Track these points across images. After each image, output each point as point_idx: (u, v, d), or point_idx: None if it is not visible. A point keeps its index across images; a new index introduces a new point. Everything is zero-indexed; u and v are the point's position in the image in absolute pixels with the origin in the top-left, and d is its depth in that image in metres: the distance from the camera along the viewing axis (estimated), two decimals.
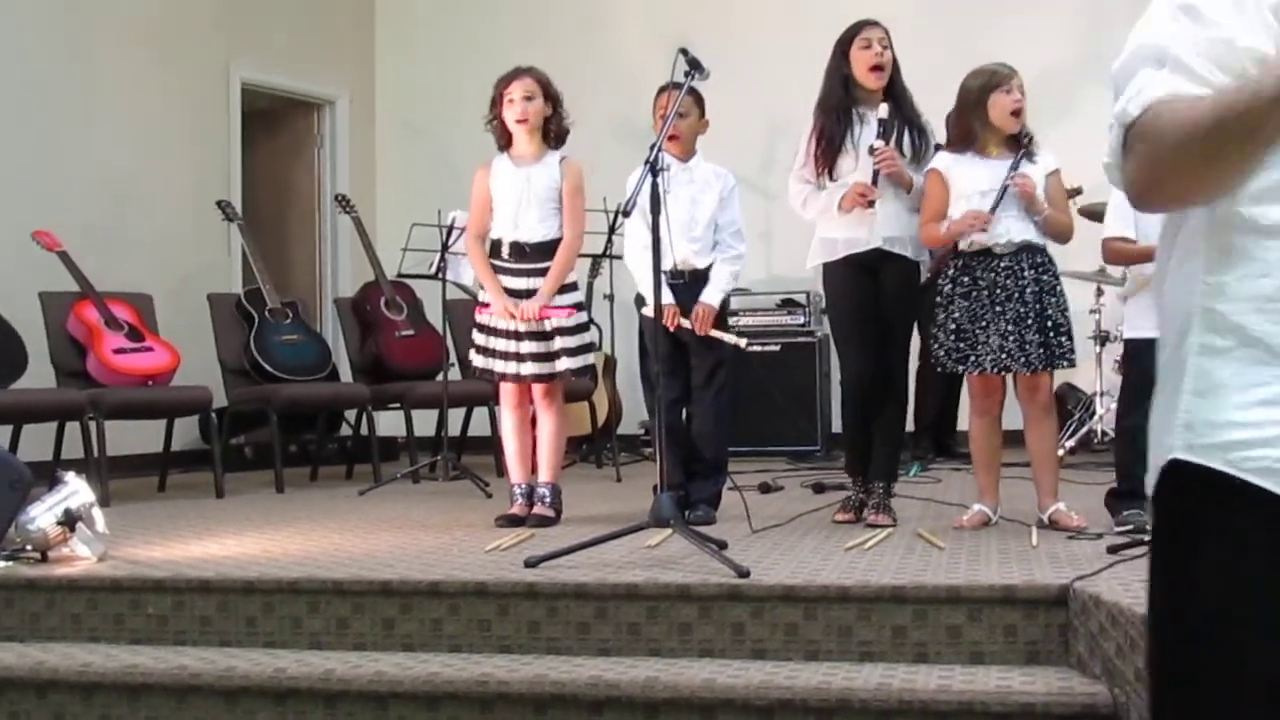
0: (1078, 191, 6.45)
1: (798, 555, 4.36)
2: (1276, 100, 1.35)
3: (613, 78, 8.83)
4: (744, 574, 3.89)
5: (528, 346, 5.21)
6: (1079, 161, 6.55)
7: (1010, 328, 4.81)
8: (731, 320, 5.80)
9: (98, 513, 4.56)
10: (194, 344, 7.19)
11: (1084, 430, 7.50)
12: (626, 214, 4.69)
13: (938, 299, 5.00)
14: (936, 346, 4.98)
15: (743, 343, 5.34)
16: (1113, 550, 4.14)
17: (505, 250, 5.25)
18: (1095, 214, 6.48)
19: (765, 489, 6.41)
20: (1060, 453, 7.09)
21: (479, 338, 5.31)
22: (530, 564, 4.12)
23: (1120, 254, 4.89)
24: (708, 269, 5.33)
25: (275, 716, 3.73)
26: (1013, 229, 4.82)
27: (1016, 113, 4.86)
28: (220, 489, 6.68)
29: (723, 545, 4.28)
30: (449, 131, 8.99)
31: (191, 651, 3.98)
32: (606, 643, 3.84)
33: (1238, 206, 1.52)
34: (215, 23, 8.48)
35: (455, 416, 7.53)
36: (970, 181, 4.89)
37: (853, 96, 5.11)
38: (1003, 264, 4.85)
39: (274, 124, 9.20)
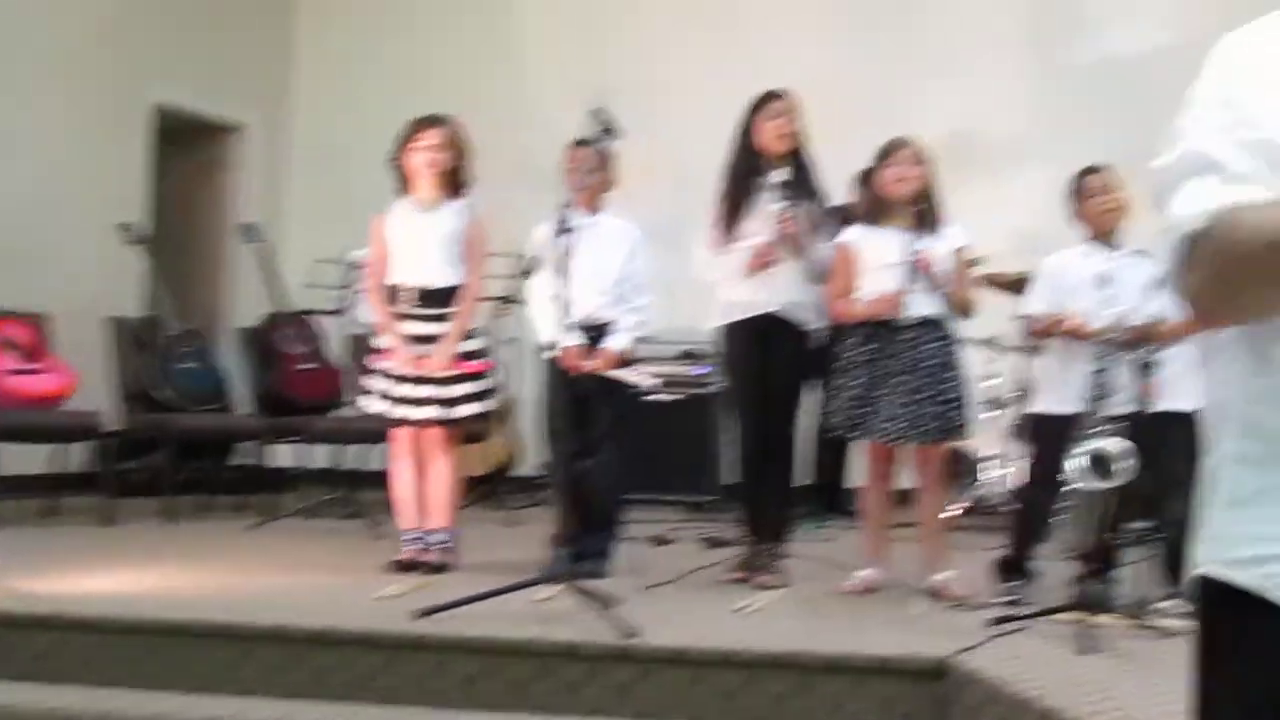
0: (977, 262, 6.57)
1: (688, 615, 4.42)
2: None
3: (526, 119, 8.87)
4: (632, 634, 3.94)
5: (426, 391, 5.24)
6: (981, 230, 6.78)
7: (907, 399, 4.90)
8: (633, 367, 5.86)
9: None
10: (92, 367, 7.11)
11: (977, 494, 7.61)
12: (528, 274, 4.75)
13: (836, 365, 5.10)
14: (832, 413, 5.07)
15: (655, 382, 5.39)
16: (992, 622, 4.25)
17: (408, 296, 5.29)
18: (997, 282, 6.64)
19: (659, 542, 6.45)
20: (951, 514, 7.25)
21: (377, 384, 5.33)
22: (422, 614, 4.14)
23: (1043, 332, 5.01)
24: (612, 321, 5.39)
25: None
26: (918, 302, 4.93)
27: (900, 182, 4.98)
28: (109, 516, 6.60)
29: (614, 602, 4.30)
30: (362, 162, 8.91)
31: (71, 691, 3.92)
32: (493, 699, 3.87)
33: None
34: (129, 43, 8.38)
35: (353, 452, 7.50)
36: (877, 254, 5.01)
37: (756, 164, 5.24)
38: (904, 336, 4.95)
39: (185, 146, 9.07)
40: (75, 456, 7.35)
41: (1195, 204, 1.45)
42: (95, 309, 7.51)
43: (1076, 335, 4.77)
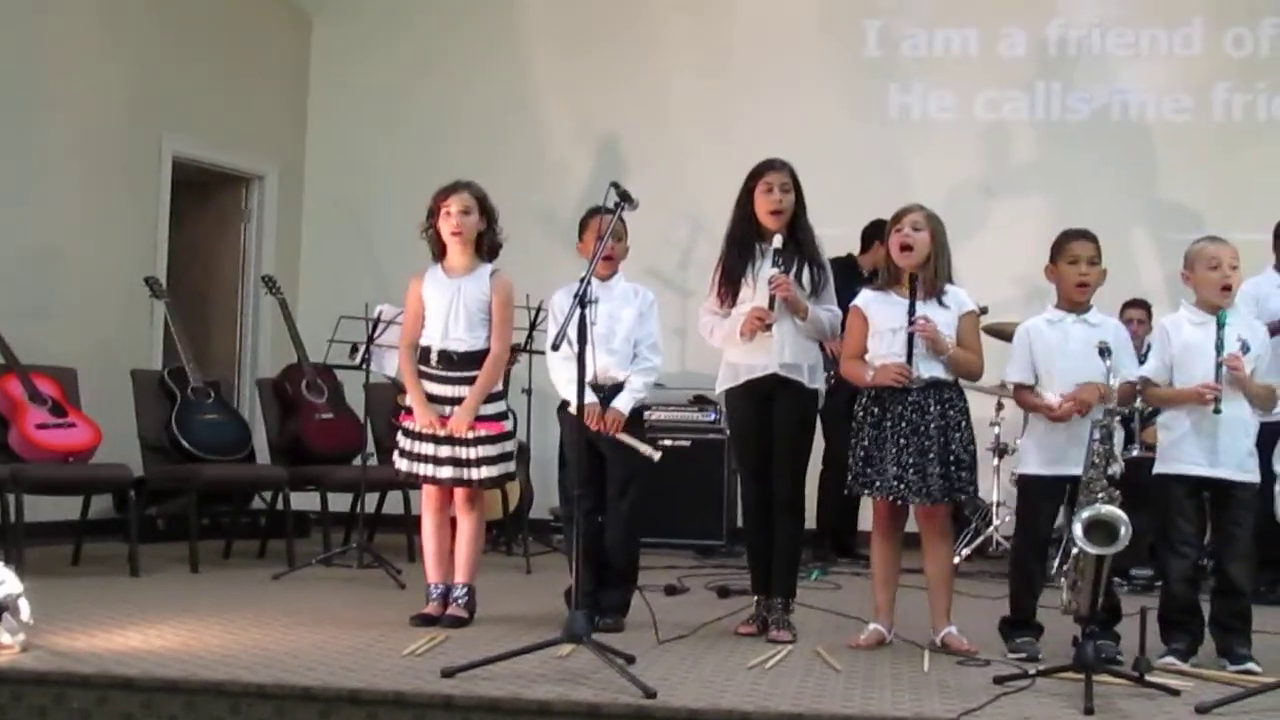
0: (984, 311, 6.68)
1: (702, 672, 4.52)
2: None
3: (540, 169, 9.08)
4: (651, 694, 4.06)
5: (446, 451, 5.39)
6: (985, 280, 6.94)
7: (913, 459, 5.04)
8: (645, 415, 5.98)
9: (24, 602, 4.61)
10: (115, 418, 7.24)
11: (980, 540, 7.77)
12: (555, 348, 4.89)
13: (855, 424, 5.23)
14: (848, 470, 5.21)
15: (656, 455, 5.50)
16: (999, 681, 4.37)
17: (434, 358, 5.43)
18: (997, 332, 6.79)
19: (671, 591, 6.56)
20: (956, 560, 7.39)
21: (403, 442, 5.48)
22: (447, 674, 4.28)
23: (1023, 400, 5.19)
24: (627, 380, 5.52)
25: None
26: (921, 366, 5.06)
27: (905, 250, 5.12)
28: (135, 567, 6.70)
29: (631, 660, 4.43)
30: (377, 213, 9.12)
31: None
32: None
33: None
34: (147, 95, 8.54)
35: (371, 497, 7.64)
36: (885, 319, 5.16)
37: (754, 232, 5.37)
38: (910, 398, 5.09)
39: (202, 197, 9.19)
40: (99, 502, 7.50)
41: None
42: (119, 361, 7.67)
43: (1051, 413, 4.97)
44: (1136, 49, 9.12)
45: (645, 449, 5.49)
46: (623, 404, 5.49)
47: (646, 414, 6.25)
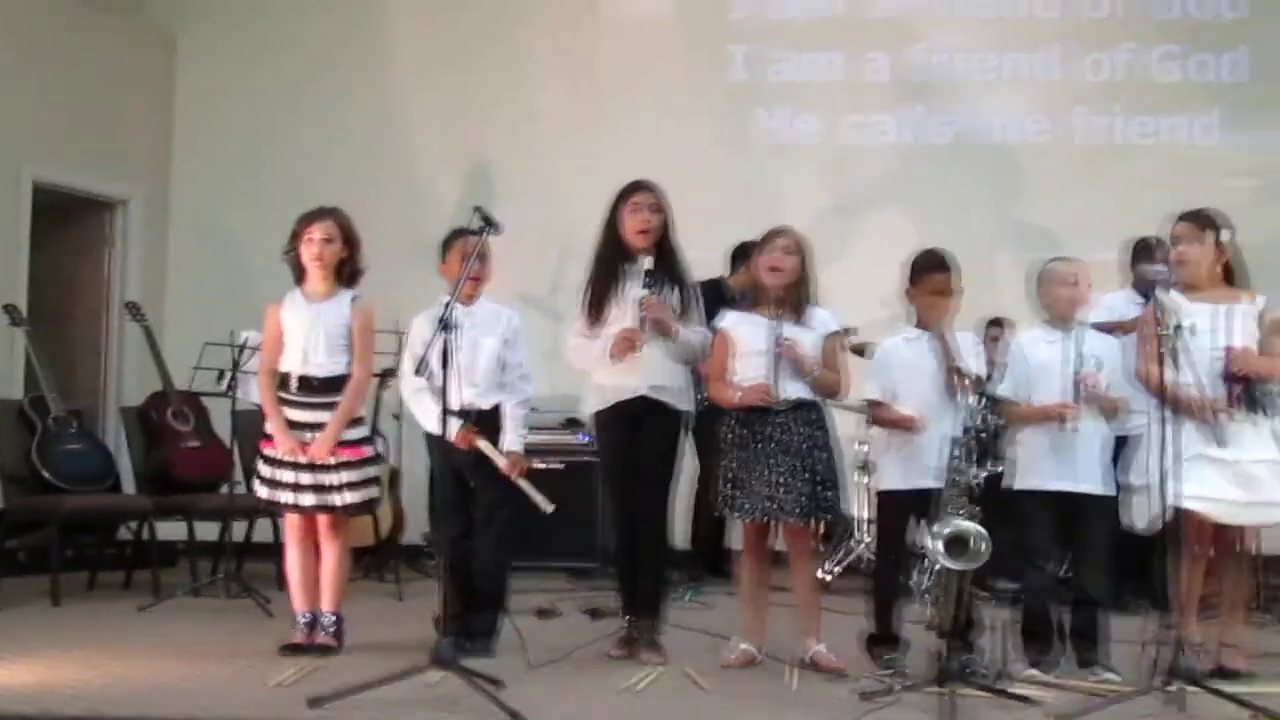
0: (851, 331, 6.74)
1: (572, 695, 4.53)
2: None
3: (410, 195, 9.02)
4: (519, 718, 4.07)
5: (308, 478, 5.32)
6: (854, 301, 7.04)
7: (780, 479, 5.08)
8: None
9: None
10: None
11: (850, 556, 7.84)
12: (419, 373, 4.86)
13: (717, 445, 5.27)
14: (713, 492, 5.24)
15: (550, 508, 5.44)
16: (864, 697, 4.43)
17: (294, 384, 5.36)
18: (862, 350, 6.87)
19: (543, 614, 6.53)
20: (829, 577, 7.46)
21: (264, 469, 5.39)
22: (314, 704, 4.23)
23: (880, 417, 5.27)
24: (493, 410, 5.46)
25: None
26: (787, 388, 5.12)
27: (773, 271, 5.19)
28: None
29: (499, 684, 4.39)
30: (244, 239, 8.96)
31: None
32: None
33: None
34: (6, 119, 8.33)
35: (240, 526, 7.51)
36: (749, 341, 5.21)
37: (622, 252, 5.39)
38: (776, 419, 5.13)
39: (64, 222, 8.97)
40: None
41: None
42: None
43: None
44: (998, 73, 9.29)
45: (541, 500, 5.45)
46: (516, 444, 5.46)
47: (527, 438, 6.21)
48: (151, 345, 7.62)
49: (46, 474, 6.98)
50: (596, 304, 5.38)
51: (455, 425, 5.22)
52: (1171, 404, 4.68)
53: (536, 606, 6.66)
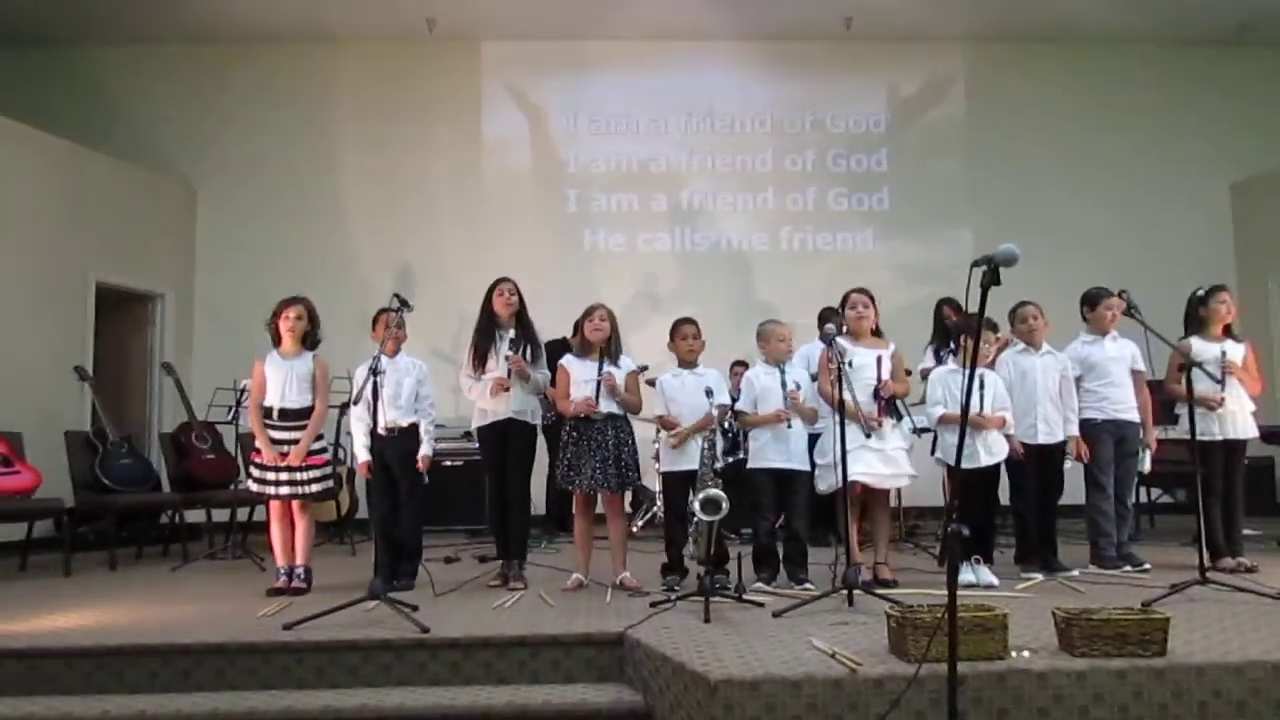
0: (644, 369, 6.73)
1: (463, 613, 4.42)
2: None
3: (355, 284, 8.80)
4: (426, 630, 3.95)
5: (285, 476, 5.16)
6: (652, 352, 7.05)
7: (599, 464, 5.07)
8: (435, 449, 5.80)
9: None
10: (55, 465, 6.64)
11: (650, 514, 7.83)
12: (355, 403, 4.73)
13: (560, 442, 5.22)
14: (558, 473, 5.19)
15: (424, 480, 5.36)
16: (653, 605, 4.41)
17: (275, 414, 5.20)
18: (652, 382, 6.87)
19: (449, 560, 6.39)
20: (634, 529, 7.43)
21: (255, 472, 5.21)
22: (287, 627, 4.07)
23: (665, 425, 5.26)
24: (409, 426, 5.32)
25: None
26: (603, 404, 5.12)
27: (596, 330, 5.19)
28: (68, 569, 6.15)
29: (415, 608, 4.29)
30: (243, 318, 8.63)
31: (40, 700, 3.71)
32: (336, 680, 3.83)
33: None
34: (75, 237, 7.97)
35: (243, 512, 7.22)
36: (581, 374, 5.21)
37: (494, 323, 5.35)
38: (596, 426, 5.13)
39: (120, 308, 8.60)
40: (43, 524, 6.90)
41: None
42: (58, 425, 7.03)
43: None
44: (734, 205, 9.47)
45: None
46: (427, 449, 5.34)
47: (436, 446, 6.08)
48: (180, 391, 7.32)
49: (106, 480, 6.62)
50: (479, 357, 5.32)
51: (364, 455, 5.16)
52: (842, 412, 4.77)
53: (445, 555, 6.51)
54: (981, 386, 5.13)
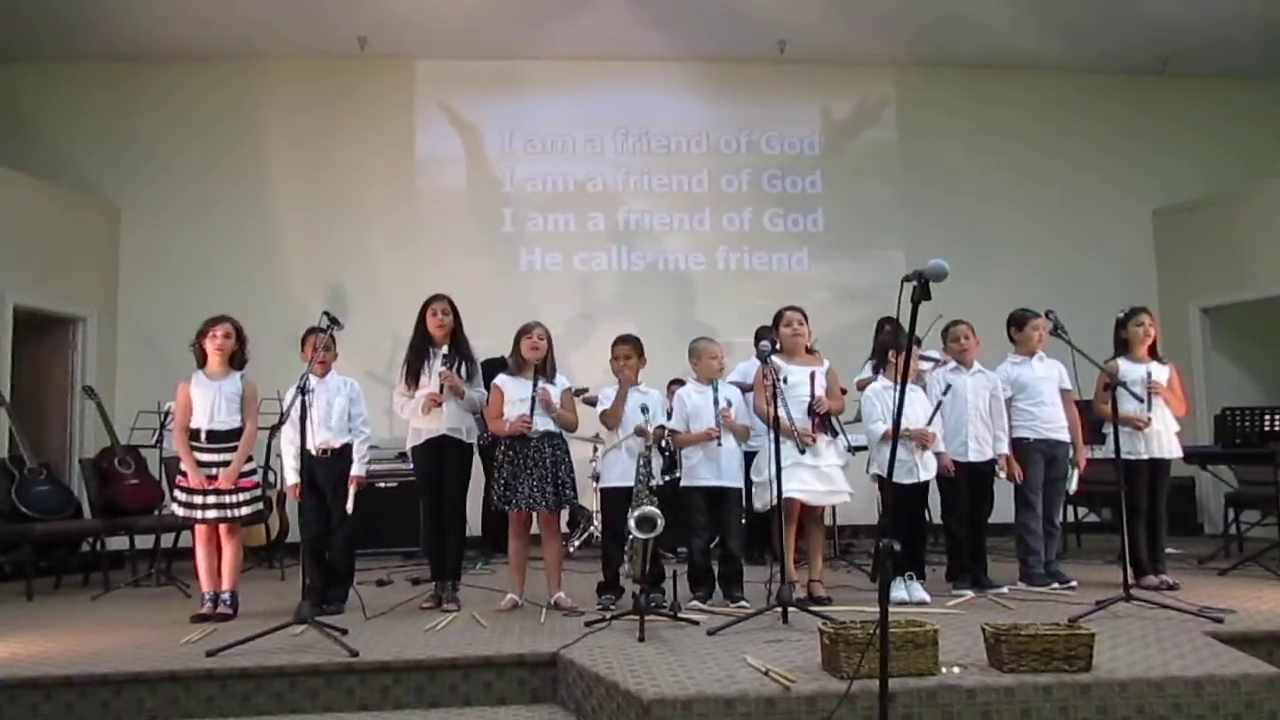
0: (582, 391, 6.74)
1: (394, 636, 4.36)
2: None
3: (286, 305, 8.65)
4: (355, 654, 3.90)
5: (212, 500, 5.05)
6: (590, 373, 7.05)
7: (536, 483, 5.04)
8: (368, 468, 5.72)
9: None
10: None
11: (587, 535, 7.80)
12: (283, 422, 4.66)
13: (495, 462, 5.18)
14: (494, 493, 5.14)
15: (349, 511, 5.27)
16: (588, 625, 4.40)
17: (203, 436, 5.08)
18: (589, 401, 6.87)
19: (381, 583, 6.28)
20: (571, 549, 7.40)
21: (180, 495, 5.09)
22: (211, 654, 3.97)
23: (609, 417, 5.25)
24: (342, 446, 5.25)
25: None
26: (538, 422, 5.09)
27: (532, 349, 5.18)
28: None
29: (344, 632, 4.22)
30: (166, 339, 8.47)
31: None
32: (262, 707, 3.75)
33: None
34: None
35: (168, 538, 7.03)
36: (516, 392, 5.17)
37: (428, 341, 5.31)
38: (532, 444, 5.09)
39: (40, 331, 8.30)
40: None
41: None
42: None
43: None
44: (671, 225, 9.50)
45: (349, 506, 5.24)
46: (359, 469, 5.27)
47: (369, 467, 6.00)
48: (102, 415, 7.09)
49: (23, 508, 6.39)
50: (413, 375, 5.28)
51: (293, 477, 5.05)
52: (777, 429, 4.80)
53: (377, 578, 6.41)
54: (914, 403, 5.21)
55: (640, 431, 4.89)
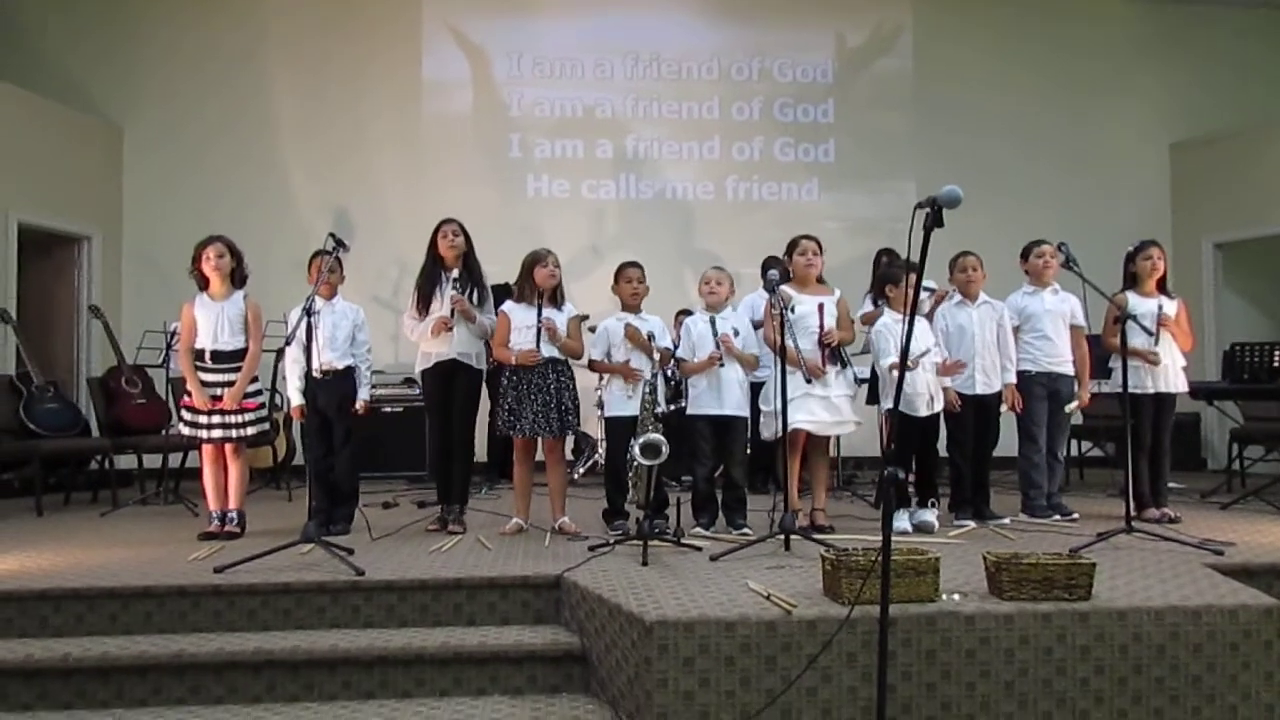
0: (586, 317, 6.71)
1: (399, 556, 4.40)
2: None
3: (292, 227, 8.61)
4: (361, 573, 3.93)
5: (217, 419, 5.05)
6: (596, 301, 7.02)
7: (540, 409, 5.04)
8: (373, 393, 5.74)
9: None
10: None
11: (591, 462, 7.84)
12: (288, 344, 4.65)
13: (500, 388, 5.18)
14: (499, 419, 5.15)
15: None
16: (591, 549, 4.43)
17: (207, 357, 5.07)
18: (594, 329, 6.84)
19: (386, 505, 6.33)
20: (577, 475, 7.44)
21: (186, 415, 5.09)
22: (218, 570, 4.02)
23: (596, 367, 5.24)
24: (345, 369, 5.23)
25: (23, 689, 3.48)
26: (543, 350, 5.08)
27: (550, 276, 5.14)
28: None
29: (350, 551, 4.26)
30: (171, 259, 8.42)
31: None
32: (268, 623, 3.80)
33: None
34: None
35: (175, 458, 7.08)
36: (522, 320, 5.14)
37: (439, 265, 5.27)
38: (537, 371, 5.08)
39: (44, 251, 8.27)
40: None
41: None
42: None
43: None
44: (680, 154, 9.38)
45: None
46: (365, 394, 5.27)
47: (375, 392, 6.00)
48: (109, 334, 7.11)
49: (31, 425, 6.45)
50: (423, 299, 5.25)
51: (298, 399, 5.08)
52: (784, 359, 4.79)
53: (383, 501, 6.46)
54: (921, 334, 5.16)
55: (639, 343, 4.88)
